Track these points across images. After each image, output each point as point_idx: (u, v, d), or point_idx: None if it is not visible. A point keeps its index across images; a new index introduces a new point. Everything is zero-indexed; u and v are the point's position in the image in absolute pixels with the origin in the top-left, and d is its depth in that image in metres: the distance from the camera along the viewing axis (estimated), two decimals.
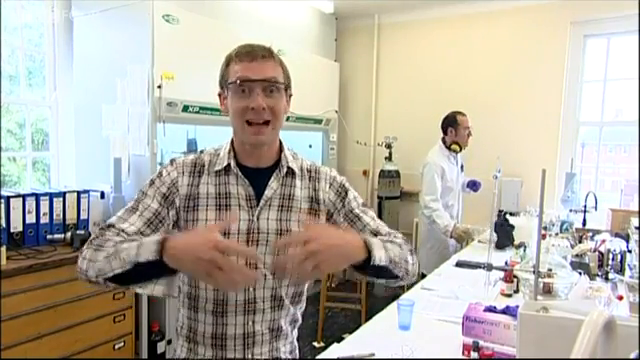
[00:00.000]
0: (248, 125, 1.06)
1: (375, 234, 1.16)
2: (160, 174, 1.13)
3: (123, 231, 1.03)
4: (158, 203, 1.09)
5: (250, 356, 1.14)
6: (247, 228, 1.09)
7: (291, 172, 1.16)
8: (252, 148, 1.11)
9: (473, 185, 3.52)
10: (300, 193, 1.16)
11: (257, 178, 1.12)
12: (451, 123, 3.29)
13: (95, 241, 1.01)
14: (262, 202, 1.11)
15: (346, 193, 1.22)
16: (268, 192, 1.12)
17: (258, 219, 1.11)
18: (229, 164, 1.11)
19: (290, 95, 1.15)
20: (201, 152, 1.18)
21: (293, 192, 1.15)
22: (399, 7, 4.33)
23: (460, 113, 3.33)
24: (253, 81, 1.04)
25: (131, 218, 1.07)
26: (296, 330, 1.28)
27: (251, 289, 1.11)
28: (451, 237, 3.16)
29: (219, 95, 1.14)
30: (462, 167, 3.52)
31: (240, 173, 1.11)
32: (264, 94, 1.05)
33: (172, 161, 1.15)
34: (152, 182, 1.12)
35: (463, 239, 3.16)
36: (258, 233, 1.10)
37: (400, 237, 1.18)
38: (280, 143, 1.18)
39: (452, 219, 3.30)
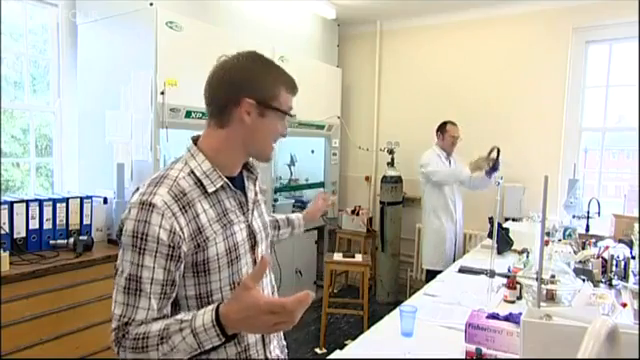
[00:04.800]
0: (271, 145, 1.13)
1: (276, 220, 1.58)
2: (145, 234, 0.95)
3: (144, 320, 0.95)
4: (162, 269, 0.96)
5: (269, 355, 1.16)
6: (247, 234, 1.12)
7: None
8: (244, 159, 1.16)
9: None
10: (256, 187, 1.24)
11: (236, 185, 1.13)
12: (440, 129, 3.67)
13: (127, 342, 0.94)
14: (250, 205, 1.16)
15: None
16: (250, 194, 1.17)
17: (251, 222, 1.15)
18: (223, 184, 1.08)
19: None
20: (162, 177, 1.03)
21: (255, 188, 1.22)
22: (401, 13, 4.35)
23: (450, 122, 3.64)
24: (292, 115, 1.14)
25: (141, 303, 0.95)
26: None
27: (261, 288, 1.14)
28: (473, 171, 3.37)
29: (244, 102, 1.04)
30: None
31: (232, 186, 1.10)
32: None
33: (151, 205, 0.96)
34: (141, 249, 0.95)
35: (481, 164, 3.34)
36: (255, 235, 1.15)
37: None
38: None
39: (447, 212, 3.60)
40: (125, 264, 0.97)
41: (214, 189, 1.05)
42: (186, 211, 1.00)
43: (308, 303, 0.85)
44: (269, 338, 1.16)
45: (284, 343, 1.29)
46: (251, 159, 1.20)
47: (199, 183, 1.04)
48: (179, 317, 0.93)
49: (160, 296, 0.97)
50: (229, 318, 0.87)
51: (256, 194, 1.22)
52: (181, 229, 0.98)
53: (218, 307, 0.89)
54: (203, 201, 1.04)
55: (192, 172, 1.05)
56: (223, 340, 0.88)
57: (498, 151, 3.25)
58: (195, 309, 1.03)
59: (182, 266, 1.00)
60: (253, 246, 1.14)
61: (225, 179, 1.07)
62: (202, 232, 1.01)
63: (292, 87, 1.12)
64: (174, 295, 1.01)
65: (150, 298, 0.96)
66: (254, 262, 1.13)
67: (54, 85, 3.02)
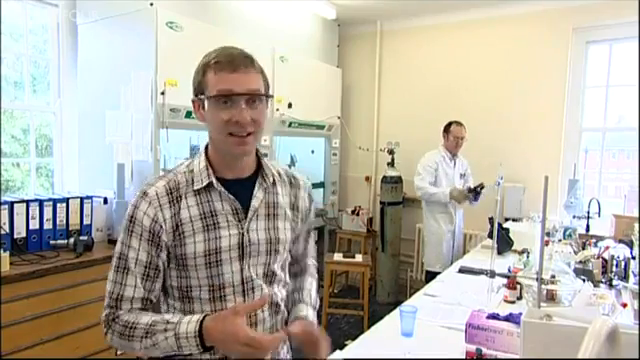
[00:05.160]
0: (231, 137, 1.02)
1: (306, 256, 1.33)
2: (134, 217, 1.04)
3: (132, 299, 1.03)
4: (146, 252, 1.03)
5: None
6: (237, 242, 1.07)
7: (273, 179, 1.15)
8: (234, 159, 1.08)
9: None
10: (283, 200, 1.16)
11: (239, 189, 1.09)
12: (445, 129, 3.67)
13: (116, 327, 1.02)
14: (250, 213, 1.09)
15: (311, 206, 1.26)
16: (255, 202, 1.10)
17: (248, 231, 1.09)
18: (210, 182, 1.06)
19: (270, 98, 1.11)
20: (169, 172, 1.10)
21: (277, 199, 1.15)
22: (401, 14, 4.35)
23: (456, 122, 3.63)
24: (237, 95, 1.00)
25: (128, 280, 1.03)
26: None
27: (250, 300, 1.09)
28: (451, 199, 3.52)
29: (193, 102, 1.08)
30: (462, 175, 3.67)
31: (223, 188, 1.07)
32: (247, 106, 1.02)
33: (144, 194, 1.05)
34: (130, 231, 1.04)
35: (460, 199, 3.52)
36: (250, 245, 1.09)
37: (313, 267, 1.35)
38: (257, 150, 1.14)
39: (446, 214, 3.64)
40: (118, 245, 1.06)
41: (200, 187, 1.06)
42: (174, 204, 1.05)
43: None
44: None
45: (286, 357, 1.23)
46: (268, 166, 1.15)
47: (192, 180, 1.07)
48: (167, 317, 1.00)
49: (143, 277, 1.04)
50: (210, 334, 0.94)
51: (274, 206, 1.13)
52: (164, 220, 1.03)
53: (204, 319, 0.96)
54: (190, 198, 1.06)
55: (193, 169, 1.09)
56: (202, 350, 0.96)
57: (482, 187, 3.44)
58: (178, 300, 1.09)
59: (164, 254, 1.05)
60: (242, 256, 1.08)
61: (214, 179, 1.06)
62: (179, 227, 1.04)
63: (223, 64, 1.01)
64: (160, 280, 1.07)
65: (136, 277, 1.04)
66: (241, 271, 1.08)
67: (54, 85, 3.01)
